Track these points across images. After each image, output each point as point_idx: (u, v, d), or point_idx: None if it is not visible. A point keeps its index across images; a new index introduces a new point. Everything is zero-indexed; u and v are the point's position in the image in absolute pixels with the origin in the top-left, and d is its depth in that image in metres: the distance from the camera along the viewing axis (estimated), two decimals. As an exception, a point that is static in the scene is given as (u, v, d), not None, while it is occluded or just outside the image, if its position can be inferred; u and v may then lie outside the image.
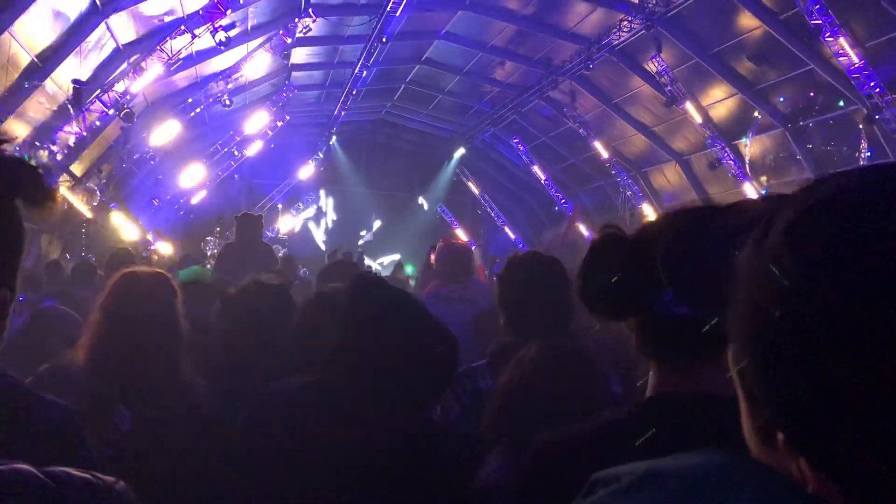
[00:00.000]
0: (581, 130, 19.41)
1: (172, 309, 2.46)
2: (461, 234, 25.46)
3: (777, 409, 0.59)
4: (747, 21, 13.56)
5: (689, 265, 0.77)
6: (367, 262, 18.88)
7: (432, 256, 4.98)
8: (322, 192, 26.67)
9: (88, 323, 2.44)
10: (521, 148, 23.06)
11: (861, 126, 13.07)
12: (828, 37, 11.97)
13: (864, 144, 12.56)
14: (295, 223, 25.52)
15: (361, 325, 1.90)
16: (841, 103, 12.54)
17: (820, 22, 11.81)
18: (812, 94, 14.09)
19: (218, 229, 19.13)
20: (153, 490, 1.96)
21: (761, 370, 0.59)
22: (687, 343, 1.21)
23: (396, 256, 23.11)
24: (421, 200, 27.75)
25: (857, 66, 12.21)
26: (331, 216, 27.16)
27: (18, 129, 11.81)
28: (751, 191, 16.32)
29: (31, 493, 0.94)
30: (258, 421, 1.90)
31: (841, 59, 12.27)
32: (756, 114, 14.98)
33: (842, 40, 11.97)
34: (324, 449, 1.72)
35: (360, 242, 26.24)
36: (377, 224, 27.21)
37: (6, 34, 9.98)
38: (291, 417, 1.82)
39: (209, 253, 17.76)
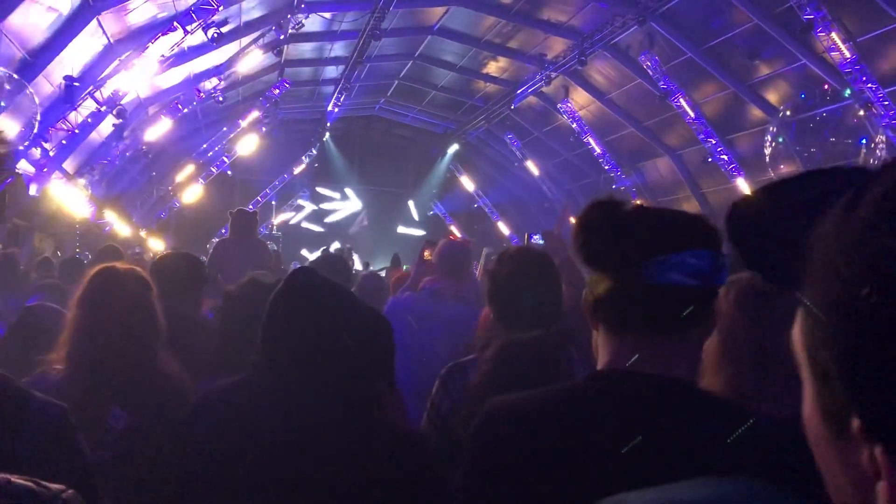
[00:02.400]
0: (574, 126, 19.41)
1: (147, 304, 2.45)
2: (455, 231, 25.46)
3: (856, 391, 0.53)
4: (739, 16, 13.58)
5: (763, 234, 0.72)
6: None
7: (426, 253, 4.96)
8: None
9: (65, 323, 2.40)
10: (515, 143, 23.06)
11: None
12: (820, 32, 12.01)
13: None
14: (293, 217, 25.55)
15: (283, 318, 1.88)
16: (847, 92, 12.46)
17: (812, 17, 11.84)
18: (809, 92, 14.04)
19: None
20: (153, 489, 1.95)
21: (842, 348, 0.54)
22: (666, 314, 1.26)
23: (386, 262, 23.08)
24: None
25: (848, 60, 12.25)
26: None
27: (10, 126, 11.76)
28: (745, 186, 16.35)
29: None
30: (192, 424, 1.85)
31: (833, 53, 12.31)
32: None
33: (834, 35, 11.99)
34: (262, 446, 1.69)
35: (350, 231, 26.29)
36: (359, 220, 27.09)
37: (-3, 31, 9.94)
38: (223, 418, 1.79)
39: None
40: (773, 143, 14.67)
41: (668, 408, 1.22)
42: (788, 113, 14.30)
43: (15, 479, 0.95)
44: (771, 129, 14.67)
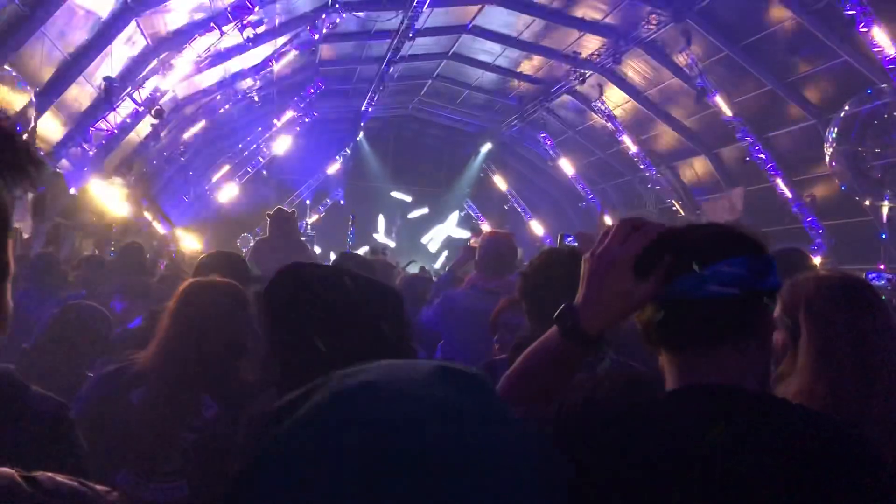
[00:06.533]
0: (609, 124, 19.25)
1: (235, 318, 2.49)
2: (486, 228, 25.38)
3: None
4: (778, 12, 13.33)
5: None
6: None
7: (472, 240, 4.83)
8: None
9: (158, 327, 2.51)
10: (549, 142, 22.94)
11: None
12: (862, 27, 11.74)
13: None
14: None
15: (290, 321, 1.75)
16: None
17: (854, 12, 11.58)
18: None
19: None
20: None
21: None
22: (714, 326, 1.24)
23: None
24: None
25: (892, 56, 11.96)
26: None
27: (52, 126, 11.99)
28: (783, 185, 16.07)
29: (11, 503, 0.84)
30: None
31: (875, 49, 12.03)
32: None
33: (877, 30, 11.73)
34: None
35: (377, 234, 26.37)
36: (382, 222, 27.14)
37: (39, 33, 10.13)
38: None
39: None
40: (833, 144, 14.16)
41: (735, 418, 1.18)
42: (847, 107, 13.78)
43: (61, 478, 0.91)
44: (831, 128, 14.19)
